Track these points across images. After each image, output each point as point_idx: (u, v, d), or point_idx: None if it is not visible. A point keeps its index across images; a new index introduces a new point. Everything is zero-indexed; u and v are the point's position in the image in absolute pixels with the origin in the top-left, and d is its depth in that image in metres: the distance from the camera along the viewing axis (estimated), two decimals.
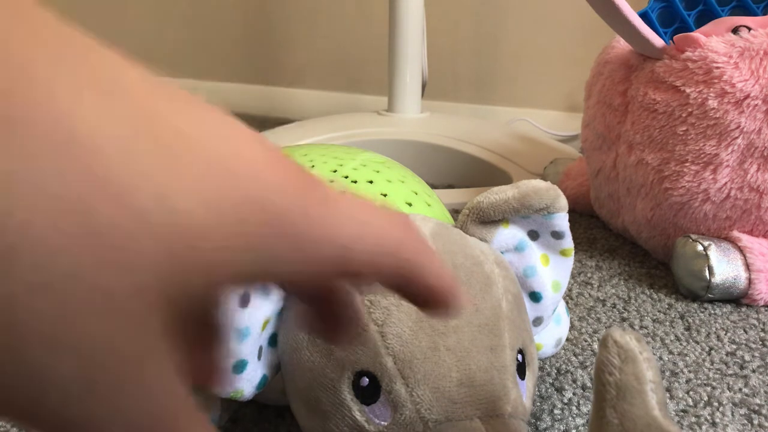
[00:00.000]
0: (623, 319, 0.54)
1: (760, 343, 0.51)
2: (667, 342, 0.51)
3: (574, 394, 0.44)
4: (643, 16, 0.68)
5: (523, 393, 0.33)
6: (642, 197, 0.64)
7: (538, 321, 0.38)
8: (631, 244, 0.70)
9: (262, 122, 1.48)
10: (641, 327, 0.53)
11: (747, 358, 0.48)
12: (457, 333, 0.31)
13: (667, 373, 0.46)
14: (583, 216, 0.79)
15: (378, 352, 0.31)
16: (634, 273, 0.64)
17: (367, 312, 0.32)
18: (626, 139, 0.65)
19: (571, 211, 0.82)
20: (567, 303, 0.57)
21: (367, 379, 0.31)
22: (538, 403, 0.43)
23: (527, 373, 0.34)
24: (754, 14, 0.66)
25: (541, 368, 0.47)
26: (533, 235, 0.38)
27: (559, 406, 0.43)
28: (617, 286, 0.61)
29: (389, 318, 0.32)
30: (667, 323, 0.54)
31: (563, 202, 0.37)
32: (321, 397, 0.32)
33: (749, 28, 0.59)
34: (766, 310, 0.56)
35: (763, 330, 0.53)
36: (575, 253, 0.68)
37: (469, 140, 0.99)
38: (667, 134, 0.60)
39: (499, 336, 0.32)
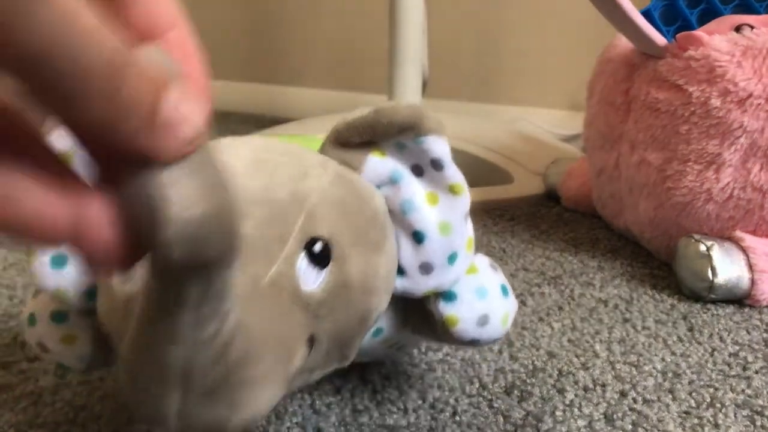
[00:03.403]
0: (625, 320, 0.54)
1: (763, 344, 0.50)
2: (669, 343, 0.50)
3: (575, 395, 0.44)
4: (646, 14, 0.67)
5: (312, 281, 0.30)
6: (644, 197, 0.64)
7: (425, 268, 0.34)
8: (634, 245, 0.70)
9: (261, 121, 1.47)
10: (644, 328, 0.53)
11: (750, 359, 0.48)
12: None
13: (670, 374, 0.46)
14: (585, 216, 0.79)
15: None
16: (637, 273, 0.64)
17: None
18: (628, 139, 0.65)
19: (573, 211, 0.82)
20: (569, 303, 0.57)
21: None
22: (540, 405, 0.42)
23: (331, 266, 0.30)
24: (757, 13, 0.66)
25: (542, 369, 0.46)
26: (417, 171, 0.34)
27: (561, 407, 0.42)
28: (619, 287, 0.60)
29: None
30: (670, 324, 0.53)
31: (431, 123, 0.33)
32: (99, 278, 0.32)
33: (752, 27, 0.58)
34: None
35: (766, 331, 0.53)
36: (577, 253, 0.68)
37: (470, 139, 0.99)
38: (670, 133, 0.59)
39: (285, 216, 0.29)
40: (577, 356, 0.48)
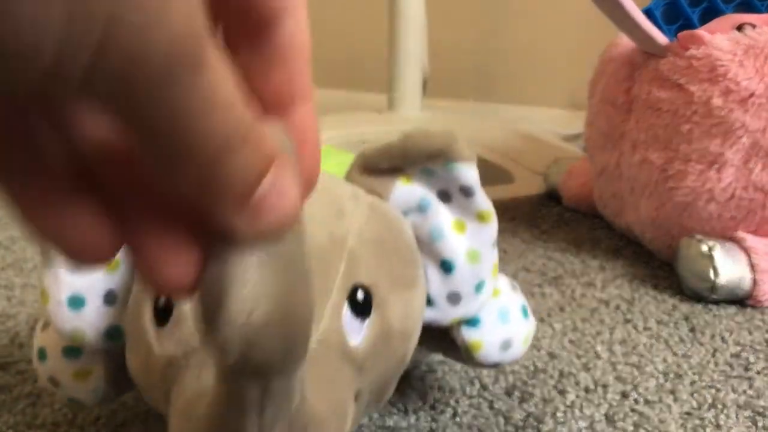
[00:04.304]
0: (627, 321, 0.54)
1: (765, 344, 0.50)
2: (671, 344, 0.50)
3: (576, 396, 0.43)
4: (647, 13, 0.67)
5: (356, 333, 0.29)
6: (646, 197, 0.63)
7: (453, 298, 0.33)
8: (635, 245, 0.70)
9: None
10: (645, 328, 0.52)
11: (752, 359, 0.48)
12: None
13: (671, 375, 0.46)
14: (586, 216, 0.79)
15: None
16: (638, 274, 0.63)
17: None
18: (630, 138, 0.64)
19: (574, 211, 0.82)
20: (570, 304, 0.56)
21: (164, 300, 0.29)
22: (540, 406, 0.42)
23: (372, 315, 0.29)
24: (759, 12, 0.66)
25: (543, 370, 0.46)
26: (444, 197, 0.34)
27: (562, 408, 0.42)
28: (621, 287, 0.60)
29: None
30: (672, 324, 0.53)
31: (462, 150, 0.33)
32: (129, 328, 0.30)
33: (754, 26, 0.58)
34: None
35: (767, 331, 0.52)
36: (578, 253, 0.68)
37: (470, 139, 0.98)
38: (671, 133, 0.59)
39: (327, 264, 0.28)
40: (578, 357, 0.48)
